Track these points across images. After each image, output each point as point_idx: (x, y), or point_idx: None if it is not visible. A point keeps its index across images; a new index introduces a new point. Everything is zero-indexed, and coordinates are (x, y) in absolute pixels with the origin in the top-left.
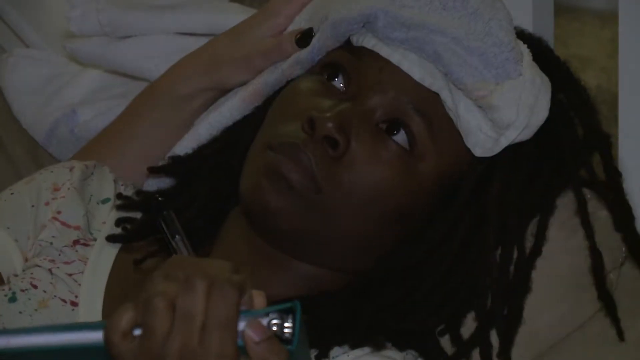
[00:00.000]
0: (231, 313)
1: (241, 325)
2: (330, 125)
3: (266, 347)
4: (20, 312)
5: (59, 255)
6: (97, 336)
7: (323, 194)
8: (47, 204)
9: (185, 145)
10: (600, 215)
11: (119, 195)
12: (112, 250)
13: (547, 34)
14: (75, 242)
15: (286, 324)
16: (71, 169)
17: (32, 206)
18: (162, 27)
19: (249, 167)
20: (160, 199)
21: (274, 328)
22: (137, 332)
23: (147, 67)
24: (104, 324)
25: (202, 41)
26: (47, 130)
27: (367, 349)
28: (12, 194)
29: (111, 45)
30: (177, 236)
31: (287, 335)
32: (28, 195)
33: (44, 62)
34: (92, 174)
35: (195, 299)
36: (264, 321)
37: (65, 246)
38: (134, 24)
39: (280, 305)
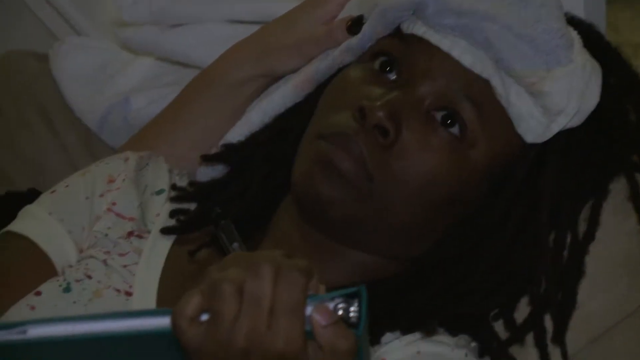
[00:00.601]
0: (299, 297)
1: (308, 309)
2: (380, 114)
3: (333, 331)
4: (74, 302)
5: (114, 246)
6: (162, 322)
7: (374, 183)
8: (101, 195)
9: (237, 132)
10: None
11: (173, 187)
12: (167, 242)
13: (600, 21)
14: (130, 233)
15: (352, 308)
16: (126, 160)
17: (87, 198)
18: (213, 15)
19: (301, 156)
20: (219, 210)
21: (340, 312)
22: (204, 317)
23: (198, 55)
24: (169, 311)
25: (253, 29)
26: (99, 118)
27: (418, 335)
28: (67, 186)
29: (163, 33)
30: (235, 243)
31: (353, 319)
32: (83, 187)
33: (96, 50)
34: (147, 164)
35: (263, 283)
36: (331, 305)
37: (120, 237)
38: (185, 12)
39: (345, 290)
